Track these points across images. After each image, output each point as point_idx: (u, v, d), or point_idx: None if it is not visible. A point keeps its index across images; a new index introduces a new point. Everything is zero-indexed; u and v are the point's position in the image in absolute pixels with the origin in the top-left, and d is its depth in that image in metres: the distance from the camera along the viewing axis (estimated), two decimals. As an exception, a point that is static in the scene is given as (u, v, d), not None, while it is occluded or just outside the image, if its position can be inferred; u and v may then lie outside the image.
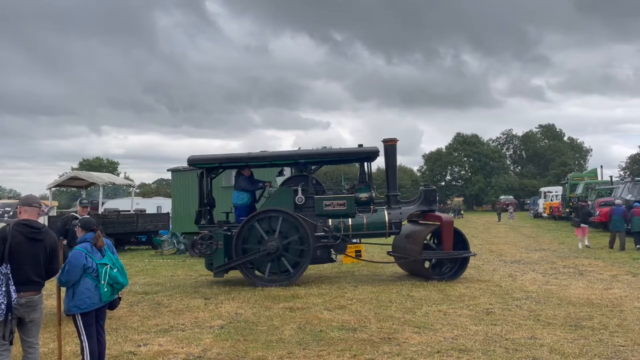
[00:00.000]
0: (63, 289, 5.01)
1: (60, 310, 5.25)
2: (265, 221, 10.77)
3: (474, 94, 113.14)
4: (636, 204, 17.72)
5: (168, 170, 19.60)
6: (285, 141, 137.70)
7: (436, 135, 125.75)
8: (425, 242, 11.13)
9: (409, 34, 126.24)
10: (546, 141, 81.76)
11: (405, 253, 11.30)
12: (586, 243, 17.49)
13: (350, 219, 10.95)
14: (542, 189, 46.96)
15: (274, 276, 10.76)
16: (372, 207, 11.20)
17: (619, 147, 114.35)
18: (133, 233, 20.31)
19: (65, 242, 7.90)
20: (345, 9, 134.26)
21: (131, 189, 27.61)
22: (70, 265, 4.77)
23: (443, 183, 76.55)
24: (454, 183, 77.97)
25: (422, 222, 11.83)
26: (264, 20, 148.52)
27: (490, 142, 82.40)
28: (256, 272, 11.07)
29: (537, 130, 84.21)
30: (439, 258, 10.95)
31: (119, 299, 5.33)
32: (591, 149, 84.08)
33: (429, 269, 11.04)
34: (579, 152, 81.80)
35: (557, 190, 41.13)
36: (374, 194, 11.44)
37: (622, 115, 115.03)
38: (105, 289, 4.84)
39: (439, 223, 11.09)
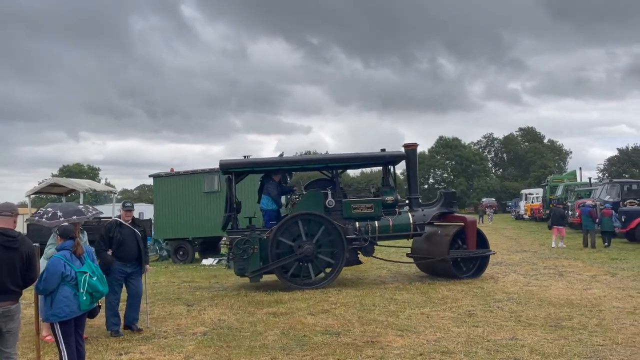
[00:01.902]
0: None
1: (39, 320, 5.17)
2: (299, 225, 10.72)
3: (452, 97, 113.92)
4: (606, 205, 19.02)
5: (150, 176, 19.41)
6: (268, 145, 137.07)
7: (417, 138, 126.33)
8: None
9: (385, 38, 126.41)
10: (527, 144, 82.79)
11: (429, 254, 11.53)
12: (560, 244, 18.25)
13: (376, 222, 11.13)
14: (523, 191, 47.57)
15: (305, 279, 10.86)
16: (397, 209, 11.45)
17: (596, 149, 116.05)
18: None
19: (110, 252, 7.35)
20: (319, 12, 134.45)
21: (112, 195, 27.30)
22: (48, 273, 4.70)
23: (426, 186, 77.08)
24: (436, 186, 78.56)
25: (437, 223, 12.07)
26: (239, 25, 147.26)
27: (472, 145, 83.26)
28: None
29: (517, 133, 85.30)
30: (463, 257, 11.29)
31: (99, 307, 5.27)
32: (571, 151, 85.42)
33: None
34: (558, 154, 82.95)
35: (538, 192, 41.67)
36: (398, 197, 11.73)
37: (597, 118, 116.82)
38: (84, 298, 4.78)
39: (462, 224, 11.48)
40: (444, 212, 11.97)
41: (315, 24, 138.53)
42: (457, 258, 11.21)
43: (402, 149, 11.96)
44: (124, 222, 7.47)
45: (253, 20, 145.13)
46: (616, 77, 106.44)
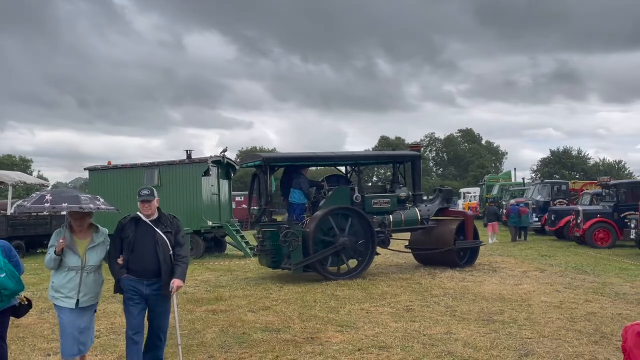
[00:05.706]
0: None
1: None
2: (334, 218, 11.25)
3: (390, 97, 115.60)
4: (521, 204, 21.21)
5: (85, 169, 18.66)
6: (209, 140, 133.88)
7: (361, 136, 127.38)
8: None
9: (321, 33, 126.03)
10: (466, 144, 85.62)
11: (433, 245, 12.56)
12: (494, 239, 19.99)
13: (391, 216, 12.07)
14: (462, 190, 49.10)
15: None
16: (407, 204, 12.51)
17: (528, 151, 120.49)
18: (46, 235, 19.14)
19: (120, 260, 5.25)
20: (253, 4, 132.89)
21: (45, 188, 26.02)
22: None
23: (370, 184, 78.27)
24: (380, 184, 79.86)
25: (433, 217, 13.00)
26: (171, 15, 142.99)
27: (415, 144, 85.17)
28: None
29: (457, 134, 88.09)
30: (464, 247, 12.55)
31: (29, 305, 4.98)
32: (506, 152, 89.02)
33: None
34: (495, 155, 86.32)
35: (476, 191, 43.14)
36: (410, 193, 12.74)
37: (527, 121, 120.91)
38: None
39: (462, 218, 12.88)
40: (442, 207, 13.16)
41: (250, 16, 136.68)
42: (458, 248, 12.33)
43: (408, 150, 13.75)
44: (142, 218, 5.09)
45: (186, 11, 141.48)
46: (541, 82, 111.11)
